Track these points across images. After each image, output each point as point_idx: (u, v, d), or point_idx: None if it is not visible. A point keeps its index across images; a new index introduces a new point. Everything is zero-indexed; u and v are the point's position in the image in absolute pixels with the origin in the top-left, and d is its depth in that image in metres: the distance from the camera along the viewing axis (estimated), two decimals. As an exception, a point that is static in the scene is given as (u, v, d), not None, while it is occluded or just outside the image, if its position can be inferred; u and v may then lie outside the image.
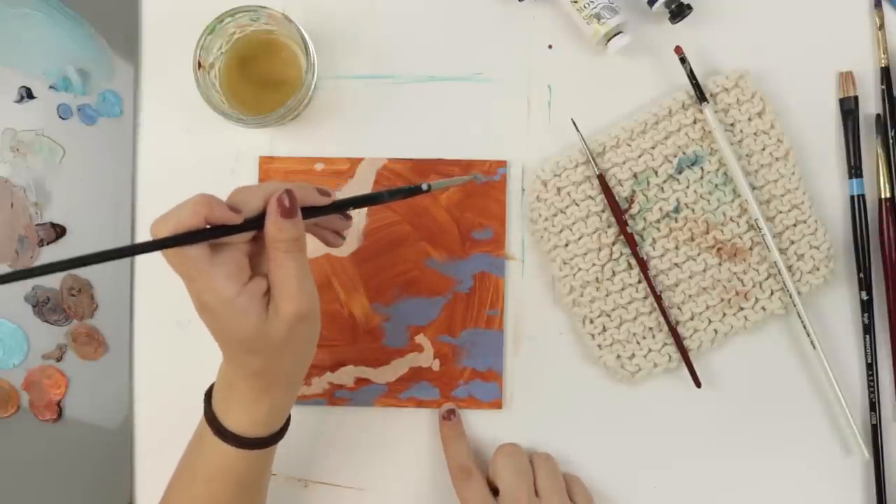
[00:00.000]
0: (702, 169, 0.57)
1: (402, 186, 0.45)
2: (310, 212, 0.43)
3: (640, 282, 0.57)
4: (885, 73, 0.57)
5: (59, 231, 0.58)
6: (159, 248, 0.40)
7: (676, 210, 0.57)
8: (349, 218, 0.48)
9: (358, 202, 0.45)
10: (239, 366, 0.44)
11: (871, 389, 0.57)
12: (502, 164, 0.58)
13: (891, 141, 0.57)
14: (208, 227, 0.40)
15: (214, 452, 0.46)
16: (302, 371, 0.46)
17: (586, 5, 0.55)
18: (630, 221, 0.57)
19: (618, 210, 0.56)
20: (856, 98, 0.57)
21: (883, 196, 0.57)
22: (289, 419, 0.49)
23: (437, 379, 0.57)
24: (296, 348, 0.44)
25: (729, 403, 0.58)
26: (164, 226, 0.40)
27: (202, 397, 0.48)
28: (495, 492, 0.53)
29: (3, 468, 0.57)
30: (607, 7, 0.55)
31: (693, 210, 0.57)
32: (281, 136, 0.58)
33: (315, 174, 0.58)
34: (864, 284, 0.57)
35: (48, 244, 0.58)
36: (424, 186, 0.45)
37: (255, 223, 0.42)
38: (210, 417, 0.46)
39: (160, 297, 0.58)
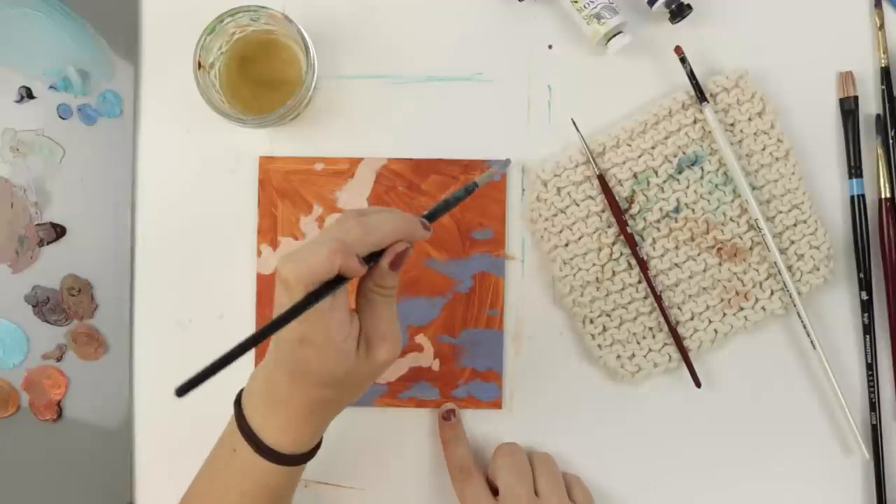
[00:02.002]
0: (702, 169, 0.57)
1: (462, 188, 0.47)
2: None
3: (640, 282, 0.57)
4: (885, 73, 0.57)
5: (59, 231, 0.58)
6: (300, 311, 0.38)
7: (676, 210, 0.57)
8: (430, 227, 0.45)
9: (446, 207, 0.46)
10: (306, 393, 0.43)
11: (871, 389, 0.57)
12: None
13: (891, 141, 0.57)
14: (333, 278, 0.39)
15: (251, 467, 0.45)
16: (358, 396, 0.47)
17: (586, 5, 0.55)
18: (630, 221, 0.57)
19: (618, 210, 0.56)
20: (856, 98, 0.57)
21: (883, 196, 0.57)
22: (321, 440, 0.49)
23: (437, 379, 0.57)
24: (369, 383, 0.46)
25: (729, 403, 0.58)
26: (294, 270, 0.38)
27: (202, 398, 0.48)
28: (495, 491, 0.53)
29: (3, 468, 0.57)
30: (607, 7, 0.55)
31: (693, 210, 0.57)
32: (281, 136, 0.58)
33: (315, 174, 0.58)
34: (864, 284, 0.57)
35: (48, 244, 0.58)
36: (475, 183, 0.47)
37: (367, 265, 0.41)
38: (248, 432, 0.45)
39: (160, 297, 0.58)
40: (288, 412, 0.44)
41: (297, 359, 0.42)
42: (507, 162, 0.56)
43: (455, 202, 0.46)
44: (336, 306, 0.40)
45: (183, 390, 0.35)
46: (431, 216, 0.45)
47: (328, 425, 0.47)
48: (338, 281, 0.39)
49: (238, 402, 0.46)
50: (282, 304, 0.39)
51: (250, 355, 0.58)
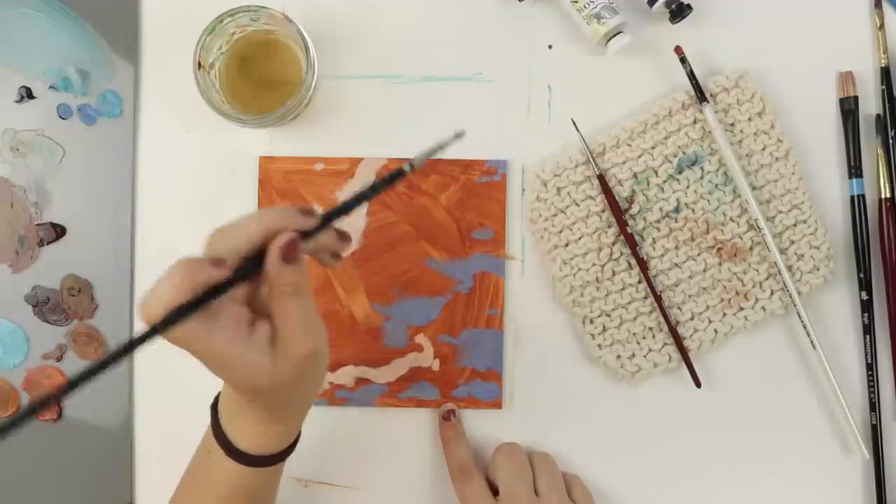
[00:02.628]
0: (702, 169, 0.57)
1: (385, 175, 0.41)
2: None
3: (640, 282, 0.57)
4: (885, 73, 0.57)
5: (59, 231, 0.58)
6: (152, 336, 0.36)
7: (676, 210, 0.57)
8: (348, 240, 0.44)
9: (345, 208, 0.41)
10: (248, 402, 0.43)
11: (871, 389, 0.57)
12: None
13: (891, 141, 0.57)
14: (200, 292, 0.37)
15: (225, 470, 0.45)
16: (314, 396, 0.45)
17: (586, 5, 0.55)
18: (630, 221, 0.57)
19: (618, 210, 0.56)
20: (856, 98, 0.57)
21: (883, 196, 0.57)
22: (299, 433, 0.48)
23: (437, 379, 0.57)
24: (306, 384, 0.43)
25: (729, 403, 0.58)
26: (154, 306, 0.36)
27: (202, 398, 0.48)
28: (495, 491, 0.53)
29: (3, 468, 0.57)
30: (607, 7, 0.55)
31: (693, 210, 0.57)
32: (281, 136, 0.58)
33: (315, 174, 0.58)
34: (864, 284, 0.57)
35: (48, 244, 0.58)
36: (406, 167, 0.41)
37: (247, 270, 0.38)
38: (220, 436, 0.45)
39: (160, 297, 0.58)
40: (250, 419, 0.44)
41: (218, 375, 0.40)
42: (458, 135, 0.44)
43: (375, 193, 0.41)
44: (218, 328, 0.38)
45: (2, 432, 0.35)
46: (342, 210, 0.41)
47: (298, 425, 0.47)
48: (207, 297, 0.37)
49: (215, 405, 0.46)
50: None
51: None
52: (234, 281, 0.38)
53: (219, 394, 0.47)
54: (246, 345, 0.39)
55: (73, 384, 0.35)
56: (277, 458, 0.46)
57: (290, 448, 0.47)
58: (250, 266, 0.39)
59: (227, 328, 0.38)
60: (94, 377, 0.35)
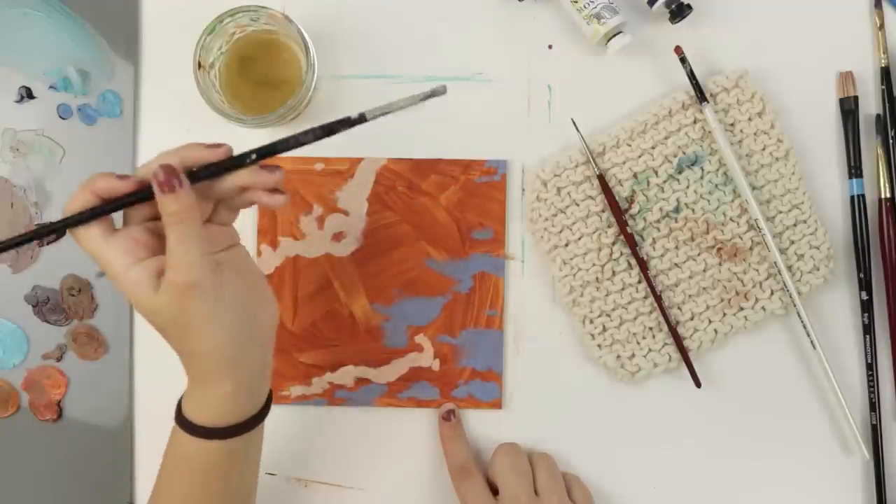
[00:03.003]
0: (702, 169, 0.57)
1: (334, 121, 0.42)
2: (210, 171, 0.42)
3: (640, 282, 0.57)
4: (885, 73, 0.57)
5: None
6: (50, 231, 0.43)
7: (676, 210, 0.57)
8: (275, 169, 0.44)
9: (275, 148, 0.42)
10: (175, 350, 0.44)
11: (871, 389, 0.57)
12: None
13: (891, 141, 0.57)
14: (100, 203, 0.42)
15: (180, 442, 0.45)
16: (236, 354, 0.43)
17: (586, 5, 0.55)
18: (630, 221, 0.57)
19: (618, 210, 0.56)
20: (856, 98, 0.57)
21: (883, 196, 0.57)
22: (259, 416, 0.46)
23: (437, 379, 0.57)
24: (200, 327, 0.42)
25: (729, 403, 0.58)
26: (70, 204, 0.42)
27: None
28: (495, 491, 0.53)
29: (3, 468, 0.57)
30: (607, 7, 0.55)
31: (693, 210, 0.57)
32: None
33: (315, 174, 0.58)
34: (864, 284, 0.57)
35: (48, 244, 0.58)
36: (352, 116, 0.41)
37: (145, 194, 0.42)
38: (176, 408, 0.46)
39: (160, 297, 0.58)
40: (190, 382, 0.45)
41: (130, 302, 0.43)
42: (438, 90, 0.43)
43: (306, 140, 0.42)
44: (114, 240, 0.42)
45: None
46: (264, 151, 0.42)
47: (237, 396, 0.44)
48: (107, 207, 0.42)
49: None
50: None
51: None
52: (136, 199, 0.42)
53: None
54: (133, 262, 0.42)
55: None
56: (229, 432, 0.44)
57: (245, 425, 0.45)
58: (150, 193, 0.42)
59: (122, 242, 0.42)
60: (23, 243, 0.44)
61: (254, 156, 0.42)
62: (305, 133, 0.42)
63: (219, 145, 0.44)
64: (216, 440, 0.44)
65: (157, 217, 0.42)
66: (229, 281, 0.43)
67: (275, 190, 0.44)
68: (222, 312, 0.42)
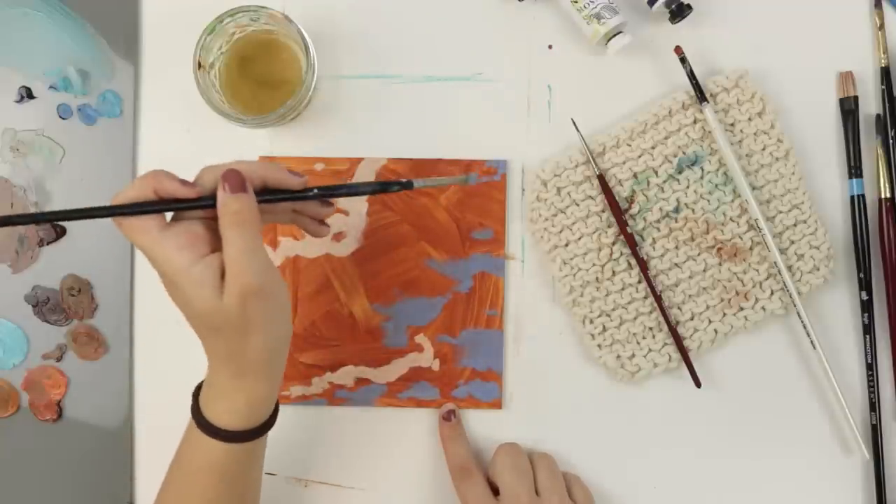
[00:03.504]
0: (702, 169, 0.57)
1: (388, 181, 0.46)
2: (282, 195, 0.44)
3: (640, 282, 0.57)
4: (885, 73, 0.57)
5: (59, 231, 0.58)
6: (111, 214, 0.42)
7: (676, 210, 0.57)
8: (330, 205, 0.48)
9: (335, 191, 0.46)
10: (210, 350, 0.44)
11: (871, 389, 0.57)
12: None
13: (891, 141, 0.57)
14: (159, 199, 0.42)
15: (200, 446, 0.45)
16: (274, 358, 0.45)
17: (586, 5, 0.55)
18: (630, 221, 0.57)
19: (618, 210, 0.56)
20: (856, 98, 0.57)
21: (883, 196, 0.57)
22: (274, 416, 0.48)
23: (437, 379, 0.57)
24: (257, 329, 0.43)
25: (729, 403, 0.58)
26: (120, 196, 0.42)
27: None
28: (495, 491, 0.53)
29: (3, 468, 0.57)
30: (607, 7, 0.55)
31: (693, 210, 0.57)
32: (281, 136, 0.58)
33: (315, 174, 0.58)
34: (864, 284, 0.57)
35: (48, 244, 0.58)
36: (403, 182, 0.46)
37: (211, 200, 0.43)
38: (194, 410, 0.46)
39: (160, 297, 0.57)
40: (216, 383, 0.45)
41: (175, 302, 0.43)
42: (469, 178, 0.54)
43: (370, 192, 0.46)
44: (173, 231, 0.42)
45: None
46: (325, 191, 0.46)
47: (265, 398, 0.46)
48: (163, 204, 0.42)
49: (197, 393, 0.47)
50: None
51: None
52: (201, 206, 0.42)
53: (201, 382, 0.47)
54: (194, 258, 0.41)
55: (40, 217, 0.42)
56: (249, 435, 0.46)
57: (261, 429, 0.46)
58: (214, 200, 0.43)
59: (180, 236, 0.42)
60: (50, 220, 0.43)
61: (315, 190, 0.45)
62: (366, 184, 0.46)
63: (300, 175, 0.45)
64: (242, 443, 0.46)
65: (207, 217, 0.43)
66: (282, 284, 0.44)
67: (321, 221, 0.49)
68: (277, 315, 0.44)
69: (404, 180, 0.46)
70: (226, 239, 0.42)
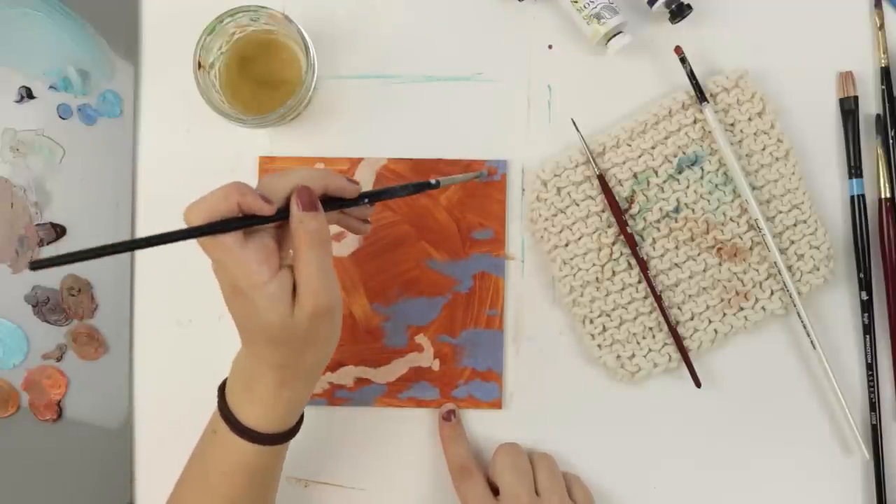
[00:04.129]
0: (702, 169, 0.57)
1: (421, 181, 0.48)
2: (336, 202, 0.44)
3: (640, 282, 0.57)
4: (885, 73, 0.57)
5: (59, 231, 0.58)
6: (194, 236, 0.40)
7: (676, 210, 0.57)
8: (372, 205, 0.49)
9: (380, 196, 0.47)
10: (262, 358, 0.44)
11: (871, 389, 0.57)
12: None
13: (891, 141, 0.57)
14: (240, 215, 0.41)
15: (230, 448, 0.46)
16: (321, 367, 0.47)
17: (586, 5, 0.55)
18: (630, 221, 0.57)
19: (618, 210, 0.56)
20: (856, 98, 0.57)
21: (883, 196, 0.57)
22: (302, 415, 0.49)
23: (437, 379, 0.57)
24: (317, 344, 0.44)
25: (729, 403, 0.58)
26: (197, 212, 0.40)
27: (202, 398, 0.48)
28: (495, 491, 0.53)
29: (3, 468, 0.57)
30: (607, 7, 0.55)
31: (693, 210, 0.57)
32: (281, 136, 0.58)
33: (315, 174, 0.58)
34: (864, 284, 0.57)
35: (48, 244, 0.58)
36: (433, 181, 0.48)
37: (283, 213, 0.42)
38: (226, 413, 0.46)
39: (160, 297, 0.58)
40: (258, 389, 0.45)
41: (236, 314, 0.43)
42: (480, 175, 0.56)
43: (403, 193, 0.48)
44: (250, 247, 0.41)
45: (38, 265, 0.36)
46: (373, 196, 0.46)
47: (302, 403, 0.47)
48: (248, 221, 0.41)
49: (222, 388, 0.47)
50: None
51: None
52: (272, 219, 0.42)
53: (226, 379, 0.47)
54: (272, 274, 0.41)
55: (105, 250, 0.38)
56: (283, 438, 0.47)
57: (294, 429, 0.48)
58: (287, 212, 0.42)
59: (259, 250, 0.41)
60: (125, 250, 0.39)
61: (366, 199, 0.46)
62: (403, 187, 0.48)
63: (355, 182, 0.46)
64: (277, 445, 0.47)
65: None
66: (341, 301, 0.45)
67: (365, 220, 0.49)
68: (335, 331, 0.45)
69: (432, 180, 0.49)
70: (301, 257, 0.42)
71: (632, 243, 0.56)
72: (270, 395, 0.45)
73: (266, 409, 0.45)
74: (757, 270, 0.57)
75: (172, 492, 0.50)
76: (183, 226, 0.41)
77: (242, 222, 0.41)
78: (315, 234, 0.42)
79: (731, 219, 0.57)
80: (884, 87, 0.57)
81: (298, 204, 0.42)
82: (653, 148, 0.57)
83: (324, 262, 0.42)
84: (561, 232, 0.57)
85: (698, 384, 0.56)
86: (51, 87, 0.58)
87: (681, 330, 0.57)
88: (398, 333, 0.57)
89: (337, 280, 0.44)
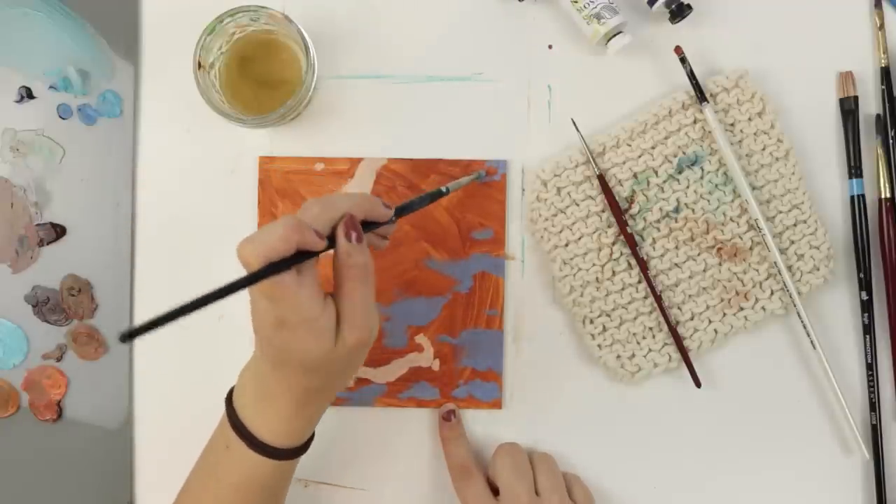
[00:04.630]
0: (702, 169, 0.57)
1: (434, 190, 0.50)
2: (370, 225, 0.44)
3: (640, 282, 0.57)
4: (885, 73, 0.57)
5: (59, 231, 0.58)
6: (258, 280, 0.38)
7: (676, 210, 0.57)
8: (394, 222, 0.48)
9: (404, 211, 0.47)
10: (290, 381, 0.43)
11: (871, 389, 0.57)
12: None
13: (891, 141, 0.57)
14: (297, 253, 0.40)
15: (244, 462, 0.45)
16: (345, 386, 0.47)
17: (586, 5, 0.55)
18: (630, 221, 0.57)
19: (618, 210, 0.56)
20: (856, 98, 0.57)
21: (883, 196, 0.57)
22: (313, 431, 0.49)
23: (437, 379, 0.57)
24: (349, 370, 0.45)
25: (729, 403, 0.58)
26: (253, 253, 0.39)
27: (202, 398, 0.48)
28: (495, 491, 0.53)
29: (3, 468, 0.57)
30: (607, 7, 0.55)
31: (693, 210, 0.57)
32: (281, 136, 0.58)
33: (315, 174, 0.58)
34: (864, 284, 0.57)
35: (48, 244, 0.58)
36: (444, 189, 0.50)
37: (329, 243, 0.42)
38: (239, 428, 0.45)
39: (160, 297, 0.58)
40: (278, 406, 0.44)
41: (277, 345, 0.42)
42: (479, 175, 0.56)
43: (425, 203, 0.48)
44: (304, 283, 0.40)
45: (127, 337, 0.36)
46: (404, 208, 0.46)
47: (320, 418, 0.47)
48: (300, 257, 0.40)
49: (229, 399, 0.47)
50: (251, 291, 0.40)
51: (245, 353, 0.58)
52: (321, 250, 0.41)
53: (232, 388, 0.47)
54: (322, 308, 0.41)
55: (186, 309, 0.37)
56: (299, 451, 0.47)
57: (309, 442, 0.48)
58: (332, 241, 0.42)
59: (311, 286, 0.40)
60: (200, 307, 0.37)
61: (394, 217, 0.46)
62: (420, 199, 0.48)
63: (389, 206, 0.45)
64: (294, 458, 0.47)
65: None
66: None
67: (384, 237, 0.49)
68: (365, 357, 0.45)
69: (443, 188, 0.50)
70: (347, 290, 0.42)
71: (632, 243, 0.56)
72: (291, 412, 0.45)
73: (285, 425, 0.45)
74: (757, 270, 0.57)
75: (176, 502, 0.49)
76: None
77: (296, 259, 0.40)
78: (363, 269, 0.41)
79: (731, 219, 0.57)
80: (884, 87, 0.57)
81: (346, 236, 0.41)
82: (653, 148, 0.57)
83: (369, 296, 0.42)
84: (561, 232, 0.57)
85: (698, 384, 0.56)
86: (51, 87, 0.58)
87: (681, 330, 0.57)
88: (398, 333, 0.57)
89: (377, 310, 0.44)
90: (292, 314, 0.40)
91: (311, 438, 0.48)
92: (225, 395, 0.47)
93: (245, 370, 0.47)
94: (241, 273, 0.38)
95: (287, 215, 0.40)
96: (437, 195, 0.49)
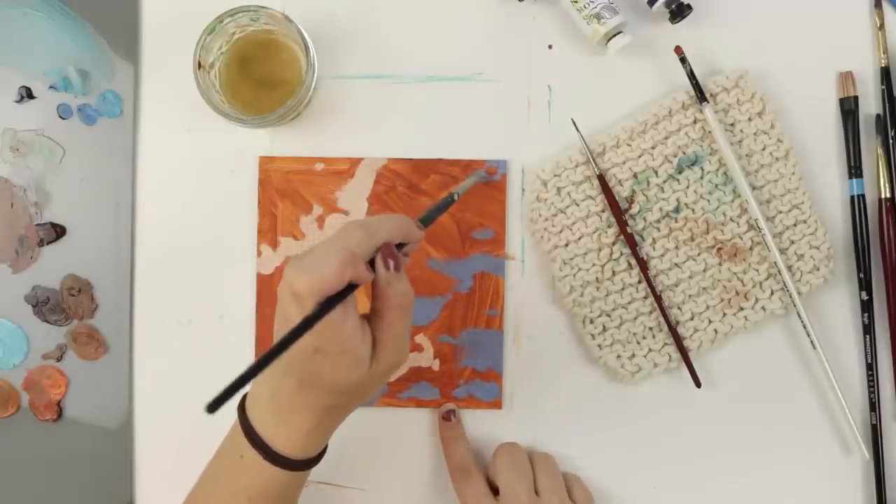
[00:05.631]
0: (702, 169, 0.57)
1: (446, 196, 0.49)
2: (399, 246, 0.43)
3: (640, 282, 0.57)
4: (885, 73, 0.57)
5: (59, 231, 0.58)
6: (316, 320, 0.37)
7: (676, 210, 0.57)
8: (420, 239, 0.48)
9: (426, 221, 0.46)
10: (316, 399, 0.43)
11: (871, 389, 0.57)
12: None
13: (891, 141, 0.57)
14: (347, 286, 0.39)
15: (260, 473, 0.45)
16: (365, 402, 0.46)
17: (586, 5, 0.55)
18: (630, 221, 0.57)
19: (618, 210, 0.56)
20: (856, 98, 0.57)
21: (883, 196, 0.57)
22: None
23: (437, 379, 0.57)
24: (375, 390, 0.45)
25: (729, 403, 0.58)
26: (307, 283, 0.38)
27: (202, 399, 0.48)
28: (495, 491, 0.53)
29: (3, 468, 0.57)
30: (607, 7, 0.55)
31: (693, 210, 0.57)
32: (281, 136, 0.58)
33: (315, 174, 0.58)
34: (864, 284, 0.57)
35: (48, 244, 0.58)
36: (454, 196, 0.49)
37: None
38: (255, 439, 0.44)
39: (160, 297, 0.58)
40: (297, 420, 0.44)
41: (309, 369, 0.41)
42: (480, 175, 0.56)
43: (440, 211, 0.48)
44: (349, 314, 0.39)
45: (214, 406, 0.33)
46: (424, 220, 0.46)
47: (336, 428, 0.47)
48: (348, 289, 0.39)
49: (242, 408, 0.46)
50: (289, 313, 0.39)
51: (245, 353, 0.58)
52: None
53: (245, 396, 0.46)
54: (362, 338, 0.40)
55: (253, 371, 0.35)
56: (316, 461, 0.47)
57: (324, 451, 0.48)
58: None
59: (354, 318, 0.40)
60: (271, 360, 0.35)
61: (421, 232, 0.45)
62: (437, 207, 0.48)
63: (422, 227, 0.44)
64: (310, 469, 0.46)
65: None
66: None
67: (406, 254, 0.47)
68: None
69: (453, 195, 0.49)
70: (387, 319, 0.41)
71: (632, 243, 0.56)
72: (312, 426, 0.44)
73: (304, 438, 0.44)
74: (757, 270, 0.57)
75: None
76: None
77: (346, 293, 0.39)
78: (403, 297, 0.41)
79: (731, 219, 0.57)
80: (884, 87, 0.57)
81: (386, 265, 0.41)
82: (653, 148, 0.57)
83: (407, 324, 0.42)
84: (561, 232, 0.57)
85: (698, 384, 0.56)
86: (51, 87, 0.58)
87: (681, 330, 0.57)
88: (398, 333, 0.57)
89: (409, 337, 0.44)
90: (333, 345, 0.39)
91: (326, 447, 0.48)
92: (237, 404, 0.46)
93: (261, 381, 0.45)
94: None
95: (338, 244, 0.39)
96: (450, 202, 0.48)
